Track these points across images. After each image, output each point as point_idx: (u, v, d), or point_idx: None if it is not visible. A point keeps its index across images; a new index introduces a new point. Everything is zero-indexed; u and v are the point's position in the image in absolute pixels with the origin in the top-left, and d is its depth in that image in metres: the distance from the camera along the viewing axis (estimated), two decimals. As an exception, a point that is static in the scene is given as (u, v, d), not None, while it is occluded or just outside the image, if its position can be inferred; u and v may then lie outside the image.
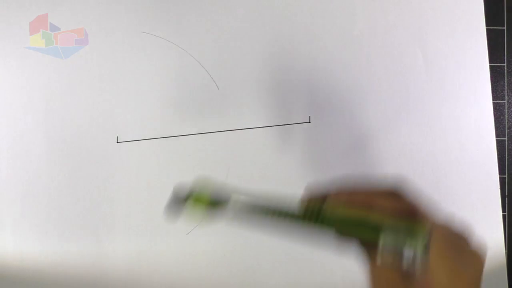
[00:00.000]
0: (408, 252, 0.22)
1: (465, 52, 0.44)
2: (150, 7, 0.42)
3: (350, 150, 0.37)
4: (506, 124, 0.45)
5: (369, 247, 0.24)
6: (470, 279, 0.22)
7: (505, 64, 0.45)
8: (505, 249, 0.43)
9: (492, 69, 0.45)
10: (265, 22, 0.43)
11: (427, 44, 0.44)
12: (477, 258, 0.23)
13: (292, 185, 0.42)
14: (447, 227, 0.23)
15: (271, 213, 0.24)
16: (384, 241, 0.22)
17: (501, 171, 0.44)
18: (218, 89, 0.42)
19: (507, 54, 0.45)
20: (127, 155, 0.42)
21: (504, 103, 0.46)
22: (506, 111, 0.45)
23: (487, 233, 0.43)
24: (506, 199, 0.44)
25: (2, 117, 0.41)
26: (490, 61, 0.45)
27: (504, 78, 0.46)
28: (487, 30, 0.45)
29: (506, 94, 0.45)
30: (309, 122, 0.41)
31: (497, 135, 0.44)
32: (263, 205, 0.24)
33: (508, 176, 0.45)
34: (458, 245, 0.23)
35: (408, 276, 0.22)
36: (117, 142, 0.42)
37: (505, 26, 0.46)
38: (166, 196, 0.41)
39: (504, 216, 0.44)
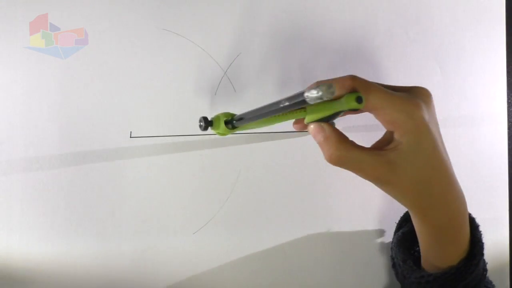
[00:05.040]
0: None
1: (484, 72, 0.45)
2: (151, 6, 0.42)
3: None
4: (506, 124, 0.46)
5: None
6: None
7: (505, 64, 0.46)
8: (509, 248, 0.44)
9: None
10: (285, 27, 0.43)
11: (446, 62, 0.44)
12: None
13: (304, 189, 0.42)
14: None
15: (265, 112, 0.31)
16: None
17: (502, 170, 0.45)
18: (235, 91, 0.42)
19: (507, 54, 0.46)
20: (140, 150, 0.41)
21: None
22: (506, 111, 0.46)
23: (492, 233, 0.43)
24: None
25: (18, 118, 0.41)
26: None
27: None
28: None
29: (506, 94, 0.46)
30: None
31: (497, 135, 0.45)
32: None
33: (508, 176, 0.45)
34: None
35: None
36: (130, 137, 0.41)
37: (505, 26, 0.46)
38: (174, 194, 0.41)
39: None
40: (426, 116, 0.29)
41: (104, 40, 0.42)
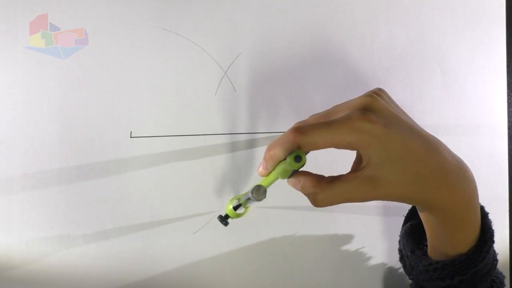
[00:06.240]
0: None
1: (484, 72, 0.45)
2: (151, 6, 0.42)
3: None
4: (506, 124, 0.46)
5: None
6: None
7: (505, 64, 0.46)
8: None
9: (493, 70, 0.46)
10: (287, 27, 0.43)
11: (446, 61, 0.44)
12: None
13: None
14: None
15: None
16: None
17: (503, 170, 0.45)
18: (235, 91, 0.42)
19: (507, 54, 0.46)
20: (140, 150, 0.41)
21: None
22: (506, 111, 0.46)
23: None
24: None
25: (19, 112, 0.41)
26: (490, 61, 0.46)
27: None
28: (489, 31, 0.45)
29: (506, 94, 0.46)
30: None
31: (497, 135, 0.45)
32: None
33: (508, 176, 0.45)
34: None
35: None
36: (131, 137, 0.41)
37: (505, 26, 0.46)
38: (175, 194, 0.41)
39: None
40: (375, 122, 0.28)
41: (104, 40, 0.42)
